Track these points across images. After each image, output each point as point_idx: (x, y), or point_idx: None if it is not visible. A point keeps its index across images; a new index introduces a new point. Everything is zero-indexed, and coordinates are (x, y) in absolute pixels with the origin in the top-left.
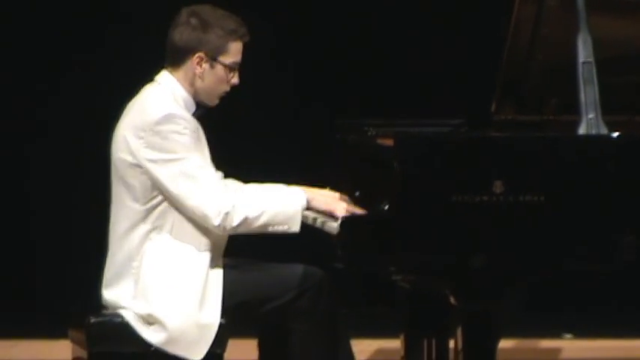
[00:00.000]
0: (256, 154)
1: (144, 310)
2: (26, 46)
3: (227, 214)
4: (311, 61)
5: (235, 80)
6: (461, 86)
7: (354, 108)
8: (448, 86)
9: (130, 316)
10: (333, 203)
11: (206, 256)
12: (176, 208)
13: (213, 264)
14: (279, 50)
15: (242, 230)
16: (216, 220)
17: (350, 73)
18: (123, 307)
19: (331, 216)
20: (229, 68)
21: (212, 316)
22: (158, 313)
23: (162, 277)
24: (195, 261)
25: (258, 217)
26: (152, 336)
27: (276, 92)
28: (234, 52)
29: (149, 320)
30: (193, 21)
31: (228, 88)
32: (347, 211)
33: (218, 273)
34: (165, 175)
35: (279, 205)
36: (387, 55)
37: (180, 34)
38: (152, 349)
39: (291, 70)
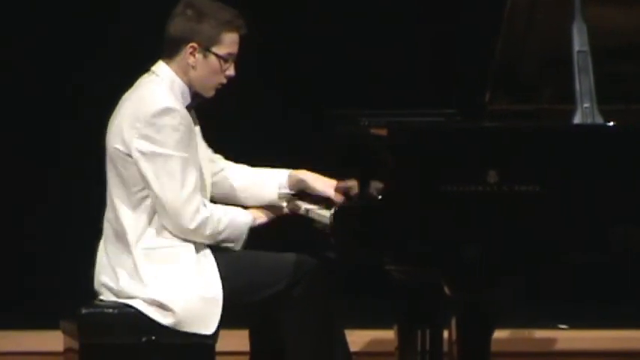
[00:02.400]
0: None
1: (147, 296)
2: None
3: (207, 218)
4: (300, 52)
5: (231, 72)
6: (454, 75)
7: (346, 98)
8: (442, 76)
9: (136, 304)
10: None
11: (195, 245)
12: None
13: (204, 251)
14: (265, 42)
15: (207, 240)
16: (192, 223)
17: (341, 62)
18: (121, 295)
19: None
20: (223, 59)
21: (215, 290)
22: (161, 298)
23: (158, 263)
24: (188, 249)
25: (221, 232)
26: (162, 320)
27: (265, 82)
28: (228, 43)
29: (156, 304)
30: (189, 12)
31: (223, 80)
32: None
33: (210, 258)
34: (151, 170)
35: (236, 225)
36: (380, 44)
37: (175, 24)
38: (143, 339)
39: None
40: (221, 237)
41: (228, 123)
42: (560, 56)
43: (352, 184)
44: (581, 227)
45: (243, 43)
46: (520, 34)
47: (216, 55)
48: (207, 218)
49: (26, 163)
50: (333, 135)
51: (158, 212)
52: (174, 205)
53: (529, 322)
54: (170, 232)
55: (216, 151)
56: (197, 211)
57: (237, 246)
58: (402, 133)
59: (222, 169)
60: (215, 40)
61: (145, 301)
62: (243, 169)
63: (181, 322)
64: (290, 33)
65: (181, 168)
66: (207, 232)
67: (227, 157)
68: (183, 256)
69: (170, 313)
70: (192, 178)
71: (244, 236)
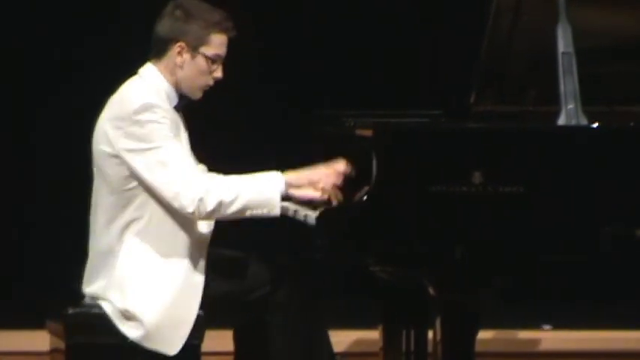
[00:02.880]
0: (230, 146)
1: (120, 304)
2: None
3: (201, 199)
4: (286, 54)
5: (218, 74)
6: (440, 77)
7: (332, 98)
8: (427, 77)
9: (108, 309)
10: (310, 193)
11: (185, 251)
12: (155, 199)
13: (194, 259)
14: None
15: (219, 215)
16: (190, 207)
17: (327, 64)
18: (102, 299)
19: (311, 203)
20: (211, 60)
21: (189, 312)
22: (134, 309)
23: (140, 271)
24: (173, 256)
25: (233, 201)
26: (129, 331)
27: (251, 84)
28: (216, 44)
29: (126, 315)
30: (178, 12)
31: (210, 82)
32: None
33: (200, 268)
34: (142, 164)
35: (256, 188)
36: (365, 46)
37: (164, 24)
38: (129, 341)
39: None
40: (235, 208)
41: (218, 123)
42: (544, 58)
43: (344, 168)
44: (566, 228)
45: (231, 44)
46: (505, 35)
47: (204, 55)
48: (201, 199)
49: (14, 164)
50: (320, 135)
51: (163, 205)
52: (172, 196)
53: (513, 322)
54: (163, 233)
55: (208, 149)
56: (192, 193)
57: (273, 212)
58: (388, 134)
59: None
60: (203, 41)
61: (116, 308)
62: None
63: (146, 338)
64: (281, 33)
65: (171, 156)
66: (210, 208)
67: (216, 157)
68: (171, 268)
69: (138, 324)
70: (183, 163)
71: (274, 200)
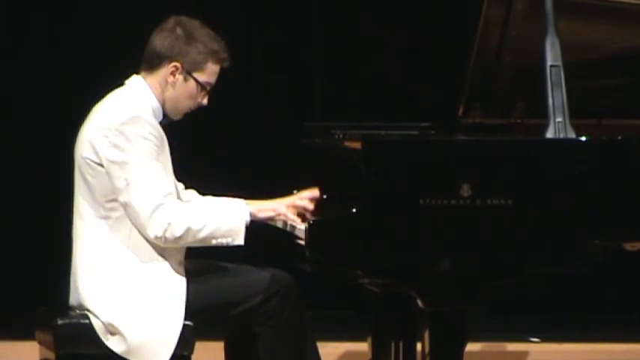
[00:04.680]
0: (221, 158)
1: (104, 318)
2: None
3: (169, 224)
4: (278, 66)
5: (204, 101)
6: (428, 90)
7: (321, 111)
8: (415, 90)
9: (94, 322)
10: (276, 208)
11: (165, 262)
12: (127, 217)
13: (174, 269)
14: (246, 55)
15: (185, 242)
16: (159, 231)
17: (317, 77)
18: (87, 311)
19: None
20: (201, 87)
21: (174, 323)
22: (118, 324)
23: (122, 285)
24: (155, 267)
25: (200, 229)
26: (114, 345)
27: (243, 96)
28: (209, 73)
29: (110, 330)
30: (179, 30)
31: (193, 107)
32: (296, 212)
33: (181, 279)
34: (121, 180)
35: (223, 217)
36: (354, 59)
37: (163, 39)
38: (119, 351)
39: (258, 74)
40: (202, 235)
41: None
42: (533, 71)
43: (307, 205)
44: (553, 241)
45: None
46: (494, 48)
47: (196, 80)
48: (169, 224)
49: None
50: (309, 147)
51: (132, 221)
52: (142, 217)
53: (501, 335)
54: (143, 245)
55: (192, 163)
56: (161, 218)
57: (236, 241)
58: (377, 147)
59: (184, 199)
60: (199, 67)
61: (100, 322)
62: (204, 199)
63: (131, 353)
64: (270, 46)
65: (151, 176)
66: (178, 234)
67: (202, 169)
68: (153, 276)
69: (121, 339)
70: (158, 186)
71: (239, 229)
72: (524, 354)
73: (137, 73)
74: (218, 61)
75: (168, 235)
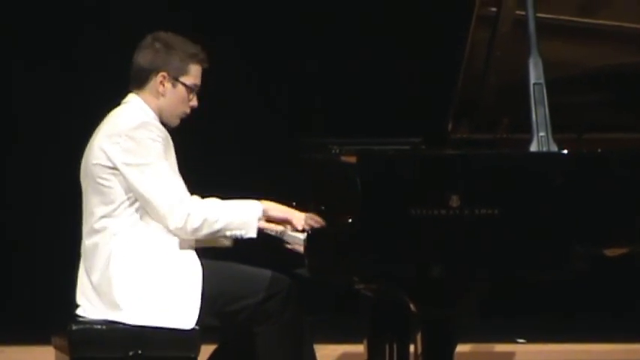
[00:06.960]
0: (221, 171)
1: (118, 318)
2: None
3: (189, 215)
4: (276, 81)
5: (194, 103)
6: (419, 107)
7: (318, 127)
8: (407, 107)
9: (118, 318)
10: (290, 213)
11: (182, 251)
12: (145, 211)
13: (190, 257)
14: (244, 68)
15: (202, 233)
16: (180, 222)
17: (313, 92)
18: (96, 315)
19: (289, 224)
20: (189, 89)
21: (194, 291)
22: (140, 296)
23: (146, 272)
24: (173, 254)
25: (216, 221)
26: (134, 318)
27: (241, 109)
28: (194, 74)
29: (131, 302)
30: (157, 44)
31: (188, 110)
32: (305, 221)
33: (197, 263)
34: (138, 178)
35: (236, 211)
36: (349, 76)
37: (145, 55)
38: (130, 353)
39: (255, 87)
40: (217, 227)
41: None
42: (517, 88)
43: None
44: (538, 248)
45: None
46: (480, 67)
47: (184, 84)
48: (189, 215)
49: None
50: (307, 162)
51: (153, 217)
52: (164, 209)
53: (489, 336)
54: (161, 237)
55: (190, 173)
56: (183, 209)
57: (249, 234)
58: (372, 161)
59: None
60: (183, 71)
61: (125, 315)
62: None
63: (159, 318)
64: (266, 57)
65: (165, 173)
66: (196, 224)
67: (203, 178)
68: (172, 262)
69: (142, 308)
70: (175, 180)
71: (252, 222)
72: (511, 354)
73: (130, 92)
74: (198, 62)
75: (188, 226)
